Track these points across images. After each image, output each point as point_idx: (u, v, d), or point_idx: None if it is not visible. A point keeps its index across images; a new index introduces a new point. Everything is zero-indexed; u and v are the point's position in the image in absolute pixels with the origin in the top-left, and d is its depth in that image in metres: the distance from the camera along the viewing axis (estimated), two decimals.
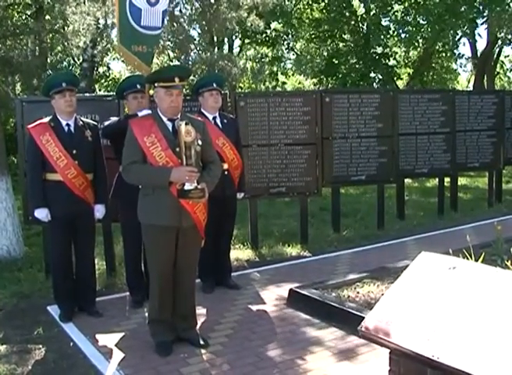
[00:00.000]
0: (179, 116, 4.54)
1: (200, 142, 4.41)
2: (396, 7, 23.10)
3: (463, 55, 26.28)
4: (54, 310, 5.70)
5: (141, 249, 5.95)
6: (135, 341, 5.01)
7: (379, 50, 24.28)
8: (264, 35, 25.06)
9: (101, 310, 5.68)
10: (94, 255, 5.91)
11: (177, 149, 4.37)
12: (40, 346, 4.94)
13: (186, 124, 4.27)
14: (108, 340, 5.02)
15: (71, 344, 4.97)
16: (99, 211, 5.59)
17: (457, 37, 22.92)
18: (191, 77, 12.14)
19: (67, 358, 4.68)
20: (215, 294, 6.18)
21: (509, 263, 5.50)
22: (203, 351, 4.71)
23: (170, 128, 4.52)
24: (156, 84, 4.51)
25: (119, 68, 25.06)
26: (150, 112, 5.71)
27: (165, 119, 4.54)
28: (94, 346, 4.90)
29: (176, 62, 15.02)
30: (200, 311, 5.66)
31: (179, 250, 4.63)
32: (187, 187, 4.31)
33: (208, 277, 6.32)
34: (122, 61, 24.07)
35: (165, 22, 5.99)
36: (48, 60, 18.10)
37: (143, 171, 4.49)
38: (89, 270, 5.74)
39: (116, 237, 7.19)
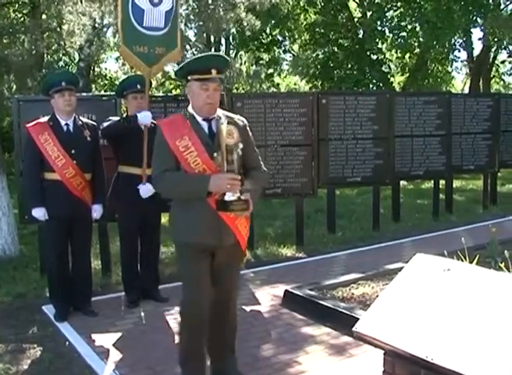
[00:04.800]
0: (215, 115, 3.85)
1: (241, 145, 3.74)
2: (391, 13, 23.18)
3: (458, 59, 26.39)
4: (49, 310, 5.70)
5: (137, 249, 5.98)
6: (130, 340, 5.02)
7: (374, 57, 24.36)
8: (259, 41, 25.10)
9: (96, 310, 5.69)
10: (90, 254, 5.92)
11: (215, 154, 3.68)
12: (35, 345, 4.94)
13: (228, 124, 3.70)
14: (104, 339, 5.03)
15: (66, 343, 4.97)
16: (97, 211, 5.59)
17: (453, 42, 23.00)
18: None
19: (62, 357, 4.68)
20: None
21: (503, 265, 5.53)
22: None
23: (206, 129, 3.82)
24: (189, 77, 3.78)
25: (115, 67, 25.03)
26: (150, 113, 5.75)
27: (199, 118, 3.82)
28: (90, 346, 4.90)
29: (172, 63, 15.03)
30: None
31: (216, 273, 3.90)
32: (228, 197, 3.61)
33: None
34: (117, 59, 24.09)
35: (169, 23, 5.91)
36: (45, 60, 18.06)
37: (176, 180, 3.76)
38: (85, 270, 5.75)
39: (112, 237, 7.20)
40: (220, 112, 3.88)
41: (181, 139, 3.74)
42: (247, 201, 3.67)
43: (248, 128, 4.02)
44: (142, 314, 5.66)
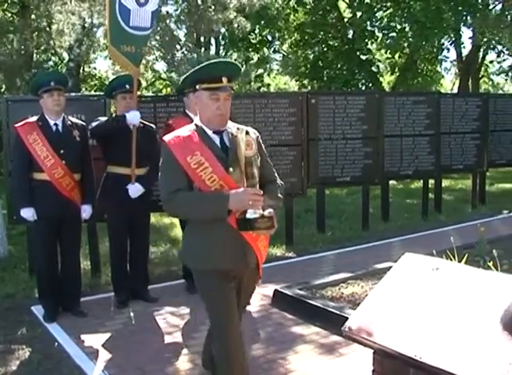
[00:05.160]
0: (227, 128, 3.50)
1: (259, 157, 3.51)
2: (381, 13, 23.26)
3: (447, 58, 26.51)
4: (38, 310, 5.68)
5: (127, 249, 5.96)
6: (120, 341, 5.01)
7: (364, 57, 24.43)
8: (248, 41, 25.11)
9: (85, 310, 5.67)
10: (80, 255, 5.90)
11: (231, 169, 3.36)
12: (24, 346, 4.92)
13: (246, 134, 3.39)
14: (93, 340, 5.02)
15: (55, 344, 4.95)
16: (86, 211, 5.57)
17: (442, 42, 23.11)
18: (175, 77, 12.12)
19: (51, 358, 4.66)
20: None
21: (491, 264, 5.56)
22: (185, 350, 4.72)
23: (218, 143, 3.45)
24: (197, 86, 3.42)
25: (105, 67, 24.97)
26: (138, 113, 5.73)
27: (209, 131, 3.45)
28: (79, 346, 4.89)
29: (163, 63, 15.03)
30: (185, 311, 5.70)
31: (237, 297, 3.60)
32: (250, 215, 3.24)
33: (192, 276, 6.30)
34: (109, 58, 24.07)
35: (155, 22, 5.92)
36: (34, 59, 18.00)
37: (191, 200, 3.37)
38: (74, 271, 5.73)
39: (101, 237, 7.18)
40: (231, 124, 3.55)
41: (192, 155, 3.35)
42: (272, 218, 3.29)
43: (260, 140, 3.67)
44: (131, 314, 5.65)
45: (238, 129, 3.47)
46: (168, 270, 7.19)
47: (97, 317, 5.58)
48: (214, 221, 3.33)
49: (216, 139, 3.45)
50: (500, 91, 31.75)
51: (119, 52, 5.78)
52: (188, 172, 3.34)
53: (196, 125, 3.50)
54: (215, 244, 3.39)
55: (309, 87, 24.67)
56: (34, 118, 5.46)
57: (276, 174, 3.76)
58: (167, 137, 3.47)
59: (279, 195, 3.61)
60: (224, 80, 3.37)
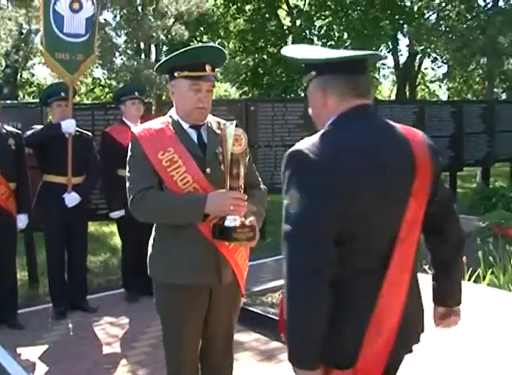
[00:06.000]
0: (206, 122, 3.09)
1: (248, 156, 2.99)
2: (320, 22, 23.58)
3: (385, 66, 27.05)
4: None
5: (64, 259, 5.89)
6: (58, 353, 4.93)
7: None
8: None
9: (22, 322, 5.55)
10: (16, 265, 5.78)
11: (208, 170, 2.93)
12: None
13: (236, 126, 2.82)
14: (31, 353, 4.92)
15: None
16: (22, 221, 5.47)
17: (380, 49, 23.56)
18: (114, 83, 12.03)
19: None
20: (139, 304, 6.13)
21: (427, 267, 5.69)
22: (124, 361, 4.69)
23: (195, 139, 3.02)
24: (176, 74, 2.96)
25: (44, 74, 24.55)
26: (74, 121, 5.67)
27: (185, 125, 3.01)
28: (15, 360, 4.78)
29: (100, 70, 14.88)
30: (124, 321, 5.65)
31: (211, 319, 3.11)
32: (230, 222, 2.74)
33: (132, 286, 6.28)
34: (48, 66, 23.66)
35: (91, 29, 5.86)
36: None
37: (161, 201, 2.86)
38: (10, 282, 5.60)
39: (39, 247, 7.06)
40: (211, 117, 3.14)
41: (164, 151, 2.90)
42: (254, 228, 2.82)
43: (246, 139, 2.96)
44: (70, 325, 5.57)
45: (219, 123, 3.09)
46: (107, 280, 7.12)
47: (35, 329, 5.47)
48: (183, 228, 2.88)
49: (193, 134, 3.02)
50: (435, 98, 32.52)
51: (53, 59, 5.71)
52: (158, 170, 2.89)
53: (170, 117, 3.05)
54: (182, 255, 2.91)
55: (250, 95, 24.79)
56: None
57: (260, 179, 3.27)
58: (136, 129, 3.03)
59: (264, 202, 3.17)
60: (207, 68, 2.96)
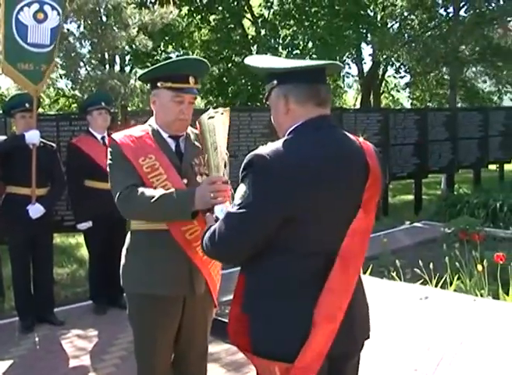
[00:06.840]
0: (185, 134, 3.12)
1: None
2: (285, 31, 23.74)
3: (349, 74, 27.31)
4: None
5: (30, 271, 5.80)
6: (25, 368, 4.84)
7: None
8: (154, 58, 25.01)
9: None
10: None
11: (184, 180, 2.96)
12: None
13: (209, 118, 2.77)
14: None
15: None
16: None
17: (344, 58, 23.83)
18: (78, 94, 11.94)
19: None
20: (108, 316, 6.07)
21: (395, 274, 5.74)
22: (94, 374, 4.63)
23: (173, 148, 3.06)
24: (159, 84, 2.98)
25: (7, 84, 24.17)
26: (38, 132, 5.60)
27: (165, 135, 3.06)
28: None
29: (64, 80, 14.74)
30: (93, 333, 5.58)
31: (184, 330, 3.12)
32: (218, 213, 2.57)
33: (100, 297, 6.22)
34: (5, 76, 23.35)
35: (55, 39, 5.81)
36: None
37: (150, 195, 2.78)
38: None
39: (4, 260, 6.95)
40: (189, 129, 3.16)
41: (145, 157, 2.92)
42: None
43: None
44: (37, 339, 5.48)
45: (197, 135, 3.00)
46: (74, 292, 7.03)
47: (2, 343, 5.37)
48: (157, 238, 2.91)
49: (172, 144, 3.05)
50: (399, 106, 32.85)
51: (15, 70, 5.63)
52: (139, 175, 2.90)
53: (150, 126, 3.09)
54: (155, 266, 2.91)
55: (215, 104, 24.81)
56: None
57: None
58: (116, 136, 3.02)
59: None
60: (191, 80, 2.99)
